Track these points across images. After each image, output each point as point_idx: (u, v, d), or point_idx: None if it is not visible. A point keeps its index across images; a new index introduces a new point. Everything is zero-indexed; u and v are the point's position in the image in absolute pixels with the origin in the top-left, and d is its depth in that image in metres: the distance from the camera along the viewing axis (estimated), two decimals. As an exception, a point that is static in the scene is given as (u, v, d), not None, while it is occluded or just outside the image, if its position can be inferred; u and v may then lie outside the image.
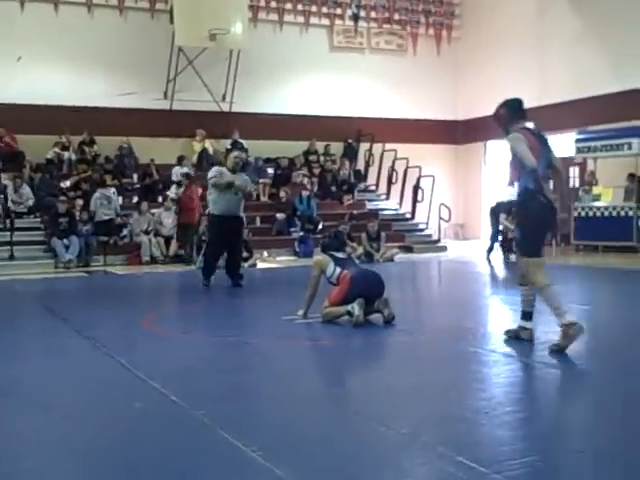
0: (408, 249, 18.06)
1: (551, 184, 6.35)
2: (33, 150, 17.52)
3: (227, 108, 19.69)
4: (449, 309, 8.88)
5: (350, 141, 21.42)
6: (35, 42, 17.90)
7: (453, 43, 23.19)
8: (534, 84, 19.78)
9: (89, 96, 18.07)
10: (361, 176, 21.30)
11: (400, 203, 20.61)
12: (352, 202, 19.57)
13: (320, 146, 20.82)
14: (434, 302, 10.27)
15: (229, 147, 19.43)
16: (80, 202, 16.29)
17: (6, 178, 16.66)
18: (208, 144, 19.34)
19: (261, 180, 19.02)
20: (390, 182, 20.81)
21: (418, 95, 22.02)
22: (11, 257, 15.13)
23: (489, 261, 15.05)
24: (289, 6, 21.02)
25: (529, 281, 6.08)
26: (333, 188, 19.80)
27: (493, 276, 13.56)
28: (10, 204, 16.10)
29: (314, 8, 21.33)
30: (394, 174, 20.66)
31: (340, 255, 7.61)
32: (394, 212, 20.37)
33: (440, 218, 19.75)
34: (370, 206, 19.89)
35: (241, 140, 19.60)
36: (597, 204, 17.18)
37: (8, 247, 15.22)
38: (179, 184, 16.78)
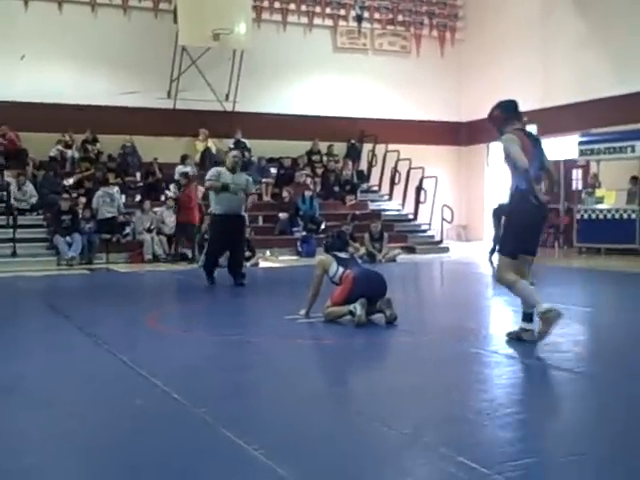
0: (410, 250, 18.06)
1: (543, 186, 6.37)
2: (36, 148, 17.57)
3: (230, 108, 19.70)
4: (451, 310, 8.88)
5: (353, 141, 21.42)
6: (39, 41, 17.92)
7: (457, 45, 23.18)
8: (538, 86, 19.78)
9: (92, 95, 18.09)
10: (364, 176, 21.30)
11: (403, 204, 20.61)
12: (355, 202, 19.58)
13: (323, 146, 20.82)
14: (436, 303, 10.27)
15: (232, 146, 19.48)
16: (83, 200, 16.33)
17: (9, 175, 16.69)
18: (211, 143, 19.36)
19: (264, 180, 19.05)
20: (393, 183, 20.80)
21: (421, 96, 22.02)
22: (14, 254, 15.16)
23: (491, 262, 15.02)
24: (293, 7, 21.03)
25: (498, 279, 6.20)
26: (336, 188, 19.81)
27: (495, 277, 13.54)
28: (13, 201, 16.12)
29: (318, 9, 21.34)
30: (397, 175, 20.65)
31: (343, 255, 7.61)
32: (397, 213, 20.37)
33: (443, 219, 19.74)
34: (373, 207, 19.89)
35: (244, 140, 19.63)
36: (600, 207, 17.16)
37: (11, 244, 15.24)
38: (178, 183, 16.80)
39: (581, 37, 18.99)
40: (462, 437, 3.87)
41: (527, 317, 6.19)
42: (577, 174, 19.67)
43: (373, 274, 7.56)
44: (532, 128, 20.17)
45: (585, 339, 7.05)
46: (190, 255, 15.60)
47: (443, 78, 22.51)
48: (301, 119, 20.30)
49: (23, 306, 9.91)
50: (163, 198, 17.14)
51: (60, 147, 17.96)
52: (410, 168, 20.13)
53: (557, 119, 19.04)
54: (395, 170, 20.66)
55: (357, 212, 18.76)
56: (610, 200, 17.18)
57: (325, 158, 20.72)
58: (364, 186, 20.97)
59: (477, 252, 17.25)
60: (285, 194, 18.54)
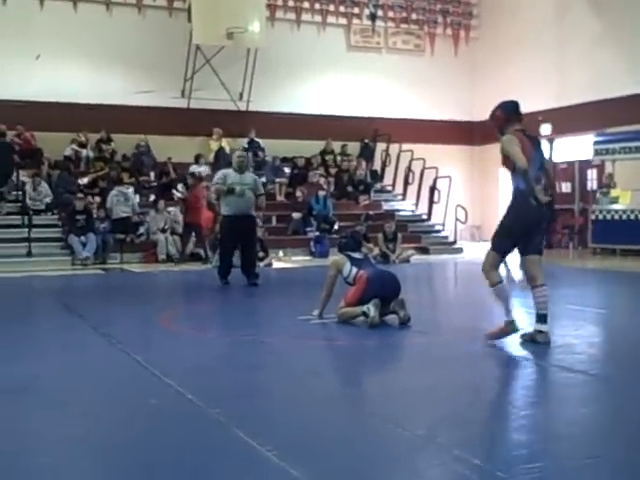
0: (424, 250, 18.01)
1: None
2: (51, 147, 17.66)
3: (244, 107, 19.74)
4: (465, 311, 8.85)
5: (367, 141, 21.40)
6: (54, 40, 18.02)
7: (471, 43, 23.12)
8: (552, 86, 19.71)
9: (107, 94, 18.16)
10: (377, 176, 21.28)
11: (416, 204, 20.56)
12: (368, 202, 19.55)
13: (337, 146, 20.82)
14: (450, 303, 10.25)
15: (246, 146, 19.52)
16: (97, 199, 16.40)
17: (24, 175, 16.78)
18: (225, 143, 19.39)
19: (277, 179, 19.08)
20: (406, 183, 20.77)
21: (435, 95, 21.97)
22: (29, 254, 15.24)
23: (506, 263, 14.97)
24: (307, 5, 21.05)
25: (483, 271, 6.23)
26: (349, 188, 19.79)
27: (509, 278, 13.49)
28: (28, 201, 16.20)
29: (332, 7, 21.34)
30: (410, 175, 20.62)
31: (357, 255, 7.60)
32: (410, 213, 20.33)
33: (456, 219, 19.69)
34: (386, 207, 19.87)
35: (258, 139, 19.65)
36: (615, 207, 17.06)
37: (26, 244, 15.33)
38: (186, 184, 16.83)
39: (596, 37, 18.89)
40: (476, 439, 3.86)
41: (541, 318, 6.16)
42: (592, 174, 19.57)
43: (387, 275, 7.54)
44: (546, 128, 20.19)
45: (600, 341, 7.02)
46: (203, 255, 15.60)
47: (457, 77, 22.45)
48: (315, 118, 20.30)
49: (38, 305, 9.96)
50: (176, 198, 17.15)
51: (75, 146, 18.04)
52: (424, 168, 20.09)
53: (572, 119, 18.96)
54: (409, 170, 20.63)
55: (371, 212, 18.73)
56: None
57: (339, 158, 20.71)
58: (378, 186, 20.95)
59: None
60: (299, 194, 18.54)
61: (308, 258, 16.79)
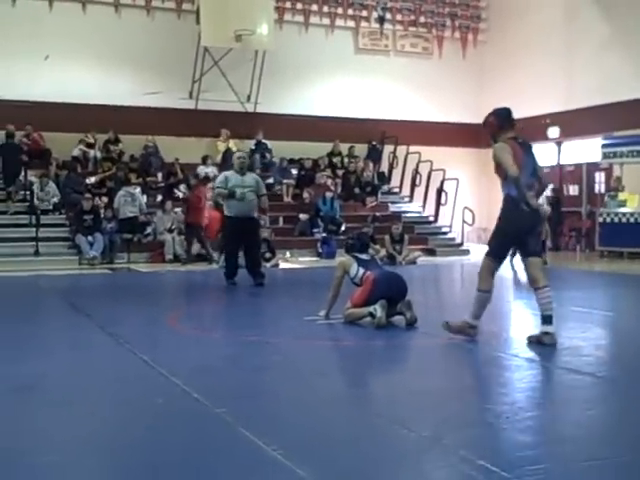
0: (431, 252, 18.00)
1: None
2: (59, 148, 17.71)
3: (252, 109, 19.76)
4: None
5: (374, 143, 21.39)
6: (63, 41, 18.06)
7: (479, 47, 23.09)
8: (561, 90, 19.68)
9: (115, 95, 18.20)
10: (385, 178, 21.27)
11: (423, 206, 20.54)
12: (375, 204, 19.55)
13: (344, 148, 20.82)
14: (456, 305, 10.21)
15: (253, 147, 19.56)
16: (105, 200, 16.44)
17: (32, 175, 16.84)
18: (232, 144, 19.40)
19: (285, 181, 19.09)
20: (414, 185, 20.76)
21: (443, 98, 21.94)
22: (36, 253, 15.29)
23: (512, 265, 14.95)
24: (315, 8, 21.05)
25: (478, 274, 6.33)
26: (356, 190, 19.80)
27: (516, 280, 13.47)
28: (36, 201, 16.25)
29: (340, 10, 21.34)
30: (418, 177, 20.61)
31: (364, 256, 7.61)
32: (417, 215, 20.32)
33: (463, 221, 19.67)
34: (393, 208, 19.86)
35: (265, 141, 19.67)
36: (623, 210, 17.02)
37: (34, 243, 15.38)
38: (188, 184, 16.84)
39: (604, 41, 18.85)
40: (482, 440, 3.86)
41: (546, 320, 6.16)
42: (600, 177, 19.54)
43: (393, 276, 7.54)
44: (554, 131, 20.18)
45: (606, 343, 7.00)
46: (207, 255, 15.62)
47: (465, 80, 22.41)
48: (322, 120, 20.30)
49: (45, 305, 9.99)
50: (160, 198, 17.08)
51: (83, 147, 18.09)
52: (431, 170, 20.08)
53: (580, 122, 18.93)
54: (416, 172, 20.62)
55: (377, 214, 18.74)
56: (633, 203, 17.03)
57: (346, 159, 20.71)
58: (385, 188, 20.94)
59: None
60: (306, 195, 18.55)
61: (315, 259, 16.80)
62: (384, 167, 21.49)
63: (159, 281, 13.28)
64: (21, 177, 16.89)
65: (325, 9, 21.18)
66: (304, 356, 6.16)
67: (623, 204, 17.19)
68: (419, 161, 20.47)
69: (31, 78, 17.71)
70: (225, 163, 18.56)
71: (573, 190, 20.25)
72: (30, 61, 17.82)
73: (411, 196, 20.91)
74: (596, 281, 13.23)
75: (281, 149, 19.81)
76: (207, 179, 16.48)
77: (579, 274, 14.11)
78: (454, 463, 3.51)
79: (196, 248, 16.04)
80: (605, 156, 17.82)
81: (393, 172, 21.33)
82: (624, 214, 16.92)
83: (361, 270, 7.38)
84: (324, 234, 17.53)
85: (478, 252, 18.70)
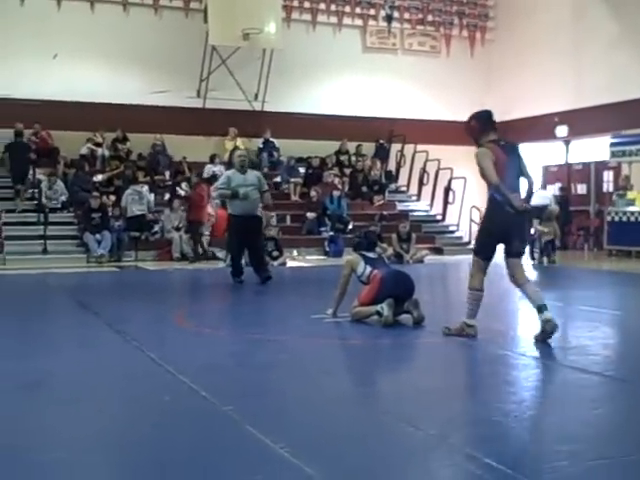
0: (438, 251, 17.98)
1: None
2: (67, 146, 17.77)
3: (259, 107, 19.77)
4: (479, 311, 8.81)
5: (382, 142, 21.38)
6: (71, 40, 18.10)
7: (487, 45, 23.04)
8: (569, 88, 19.62)
9: (123, 94, 18.23)
10: (392, 177, 21.26)
11: (431, 205, 20.53)
12: (383, 203, 19.54)
13: (352, 146, 20.81)
14: (464, 304, 10.20)
15: (261, 146, 19.58)
16: (112, 198, 16.48)
17: (40, 173, 16.88)
18: (240, 142, 19.40)
19: (292, 179, 19.09)
20: (421, 183, 20.75)
21: (450, 97, 21.89)
22: (44, 251, 15.35)
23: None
24: (322, 6, 21.05)
25: (470, 274, 6.44)
26: (364, 188, 19.79)
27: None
28: (44, 199, 16.29)
29: (347, 8, 21.33)
30: (425, 175, 20.59)
31: (371, 255, 7.60)
32: (425, 213, 20.31)
33: (471, 220, 19.62)
34: (401, 207, 19.86)
35: (273, 139, 19.69)
36: (631, 209, 16.94)
37: (42, 241, 15.43)
38: (189, 182, 16.85)
39: (612, 39, 18.79)
40: (489, 439, 3.85)
41: (542, 308, 6.20)
42: (608, 176, 19.49)
43: (401, 274, 7.53)
44: (563, 129, 20.13)
45: (614, 342, 6.98)
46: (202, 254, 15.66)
47: (472, 79, 22.35)
48: (330, 119, 20.29)
49: (53, 302, 10.02)
50: (167, 197, 17.07)
51: (91, 145, 18.13)
52: (439, 169, 20.06)
53: (588, 120, 18.88)
54: (423, 170, 20.59)
55: (385, 212, 18.73)
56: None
57: (353, 158, 20.70)
58: (392, 186, 20.94)
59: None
60: (313, 194, 18.55)
61: (322, 257, 16.81)
62: (392, 166, 21.48)
63: (166, 279, 13.31)
64: (29, 176, 16.93)
65: (333, 7, 21.17)
66: (311, 354, 6.16)
67: (631, 203, 17.12)
68: (427, 160, 20.44)
69: (39, 77, 17.76)
70: (232, 162, 18.60)
71: (581, 189, 20.20)
72: (38, 60, 17.87)
73: (418, 195, 20.89)
74: (604, 280, 13.19)
75: (289, 148, 19.82)
76: (214, 177, 16.48)
77: (587, 273, 14.08)
78: (461, 461, 3.51)
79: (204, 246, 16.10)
80: (613, 155, 17.76)
81: (400, 171, 21.32)
82: (632, 213, 16.85)
83: (368, 268, 7.38)
84: (331, 233, 17.53)
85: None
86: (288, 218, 18.02)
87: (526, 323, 8.23)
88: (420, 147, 20.57)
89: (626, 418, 4.34)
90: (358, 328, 7.10)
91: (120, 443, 3.87)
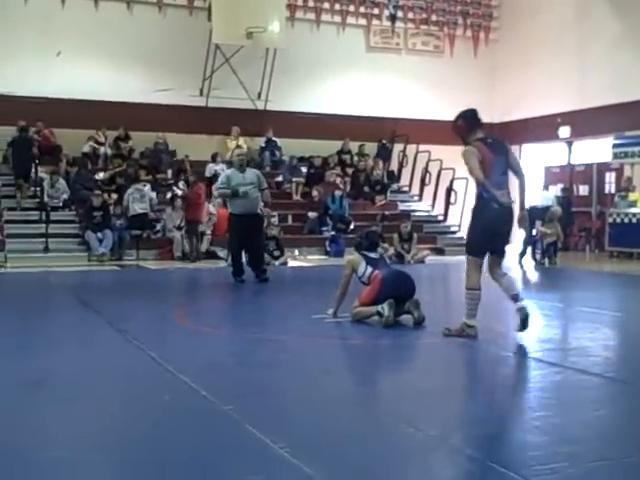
0: (439, 251, 17.97)
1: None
2: (70, 144, 17.75)
3: (262, 106, 19.76)
4: (480, 312, 8.79)
5: (384, 141, 21.36)
6: (74, 38, 18.10)
7: (491, 45, 23.01)
8: (572, 88, 19.60)
9: (126, 92, 18.22)
10: (394, 177, 21.24)
11: (433, 205, 20.51)
12: (384, 203, 19.52)
13: (354, 146, 20.80)
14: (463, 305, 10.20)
15: (263, 145, 19.57)
16: (114, 196, 16.48)
17: (43, 171, 16.88)
18: (242, 141, 19.41)
19: (294, 179, 19.08)
20: (423, 183, 20.71)
21: (454, 97, 21.77)
22: (46, 249, 15.33)
23: (521, 265, 14.94)
24: (326, 5, 21.02)
25: (466, 273, 6.51)
26: (366, 188, 19.77)
27: (525, 280, 13.45)
28: (46, 198, 16.29)
29: (351, 8, 21.30)
30: (427, 175, 20.56)
31: (372, 255, 7.60)
32: (426, 214, 20.28)
33: (472, 221, 19.59)
34: (402, 207, 19.83)
35: (275, 138, 19.69)
36: (633, 210, 16.93)
37: (43, 239, 15.42)
38: (186, 181, 16.84)
39: (616, 39, 18.77)
40: (489, 440, 3.85)
41: (516, 297, 6.39)
42: (610, 177, 19.46)
43: (402, 275, 7.53)
44: (566, 130, 20.12)
45: (615, 344, 6.99)
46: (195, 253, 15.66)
47: (476, 79, 22.32)
48: (332, 118, 20.28)
49: (54, 301, 10.02)
50: (169, 195, 17.07)
51: (93, 144, 18.13)
52: (441, 169, 20.02)
53: (591, 121, 18.86)
54: (426, 171, 20.56)
55: (387, 212, 18.71)
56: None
57: (356, 158, 20.70)
58: (394, 186, 20.91)
59: (507, 255, 17.11)
60: (315, 193, 18.54)
61: (323, 257, 16.79)
62: (394, 166, 21.45)
63: (168, 278, 13.31)
64: (32, 174, 16.92)
65: (337, 7, 21.14)
66: (311, 354, 6.16)
67: (633, 204, 17.11)
68: (429, 160, 20.41)
69: (43, 75, 17.75)
70: (235, 161, 18.61)
71: (583, 190, 20.18)
72: (42, 58, 17.87)
73: (420, 195, 20.87)
74: (605, 281, 13.18)
75: (291, 147, 19.81)
76: (215, 177, 16.48)
77: (588, 274, 14.06)
78: (461, 462, 3.51)
79: (205, 245, 16.09)
80: (616, 156, 17.74)
81: (403, 171, 21.29)
82: (634, 214, 16.83)
83: (369, 269, 7.38)
84: (333, 232, 17.52)
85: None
86: (290, 217, 18.00)
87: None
88: (422, 147, 20.54)
89: (627, 420, 4.33)
90: (359, 328, 7.10)
91: (120, 442, 3.87)
